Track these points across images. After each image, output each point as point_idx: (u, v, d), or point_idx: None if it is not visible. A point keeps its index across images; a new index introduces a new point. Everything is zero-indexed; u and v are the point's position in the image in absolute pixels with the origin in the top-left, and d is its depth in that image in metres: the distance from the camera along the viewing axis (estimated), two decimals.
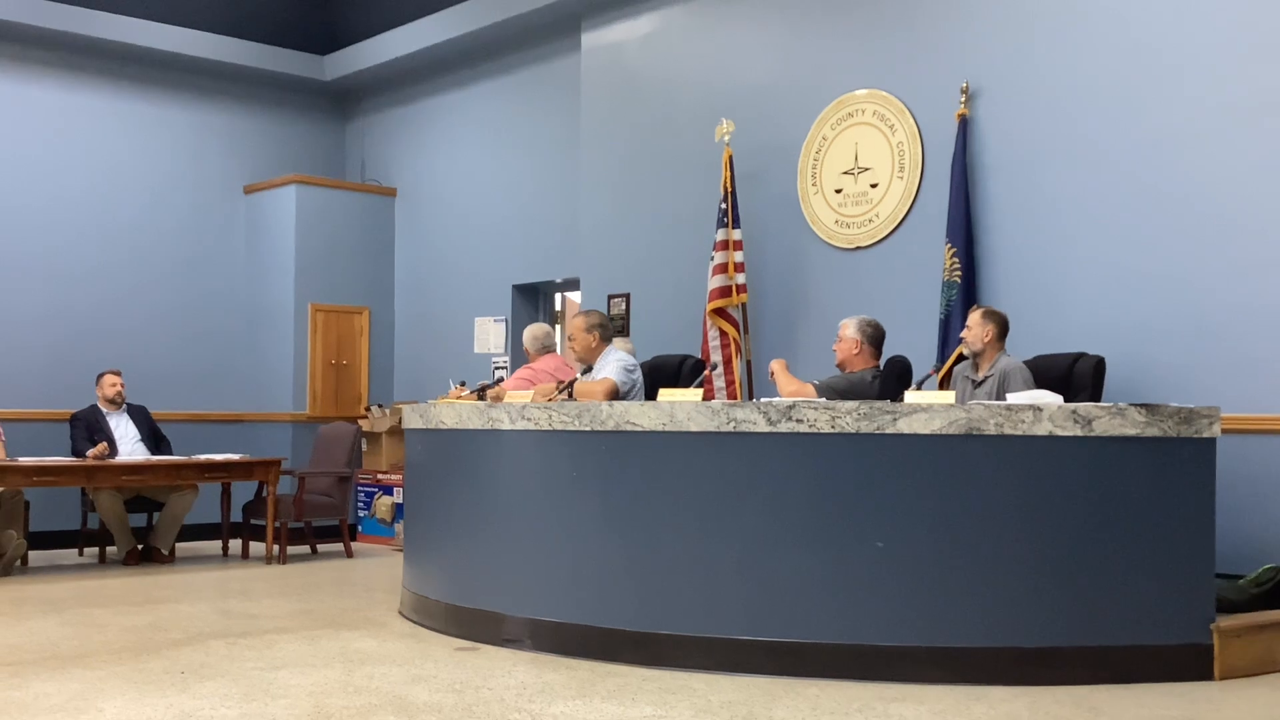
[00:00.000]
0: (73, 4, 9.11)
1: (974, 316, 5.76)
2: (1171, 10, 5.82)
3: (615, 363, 6.14)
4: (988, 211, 6.43)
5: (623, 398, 5.98)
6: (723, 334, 7.20)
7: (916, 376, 5.89)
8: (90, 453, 8.01)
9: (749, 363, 7.21)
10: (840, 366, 6.15)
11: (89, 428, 8.32)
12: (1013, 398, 4.89)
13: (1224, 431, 4.68)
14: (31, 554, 8.02)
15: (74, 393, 8.83)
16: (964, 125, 6.45)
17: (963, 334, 5.81)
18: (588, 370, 6.27)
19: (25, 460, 7.83)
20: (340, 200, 10.28)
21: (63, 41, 9.29)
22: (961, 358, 5.97)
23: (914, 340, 6.37)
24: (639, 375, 6.28)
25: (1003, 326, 5.72)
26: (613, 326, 6.51)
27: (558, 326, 9.56)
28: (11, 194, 9.20)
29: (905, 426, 4.56)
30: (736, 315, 7.22)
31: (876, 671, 4.49)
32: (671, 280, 7.90)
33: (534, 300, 9.55)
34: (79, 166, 9.51)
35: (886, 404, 4.66)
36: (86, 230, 9.51)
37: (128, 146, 9.76)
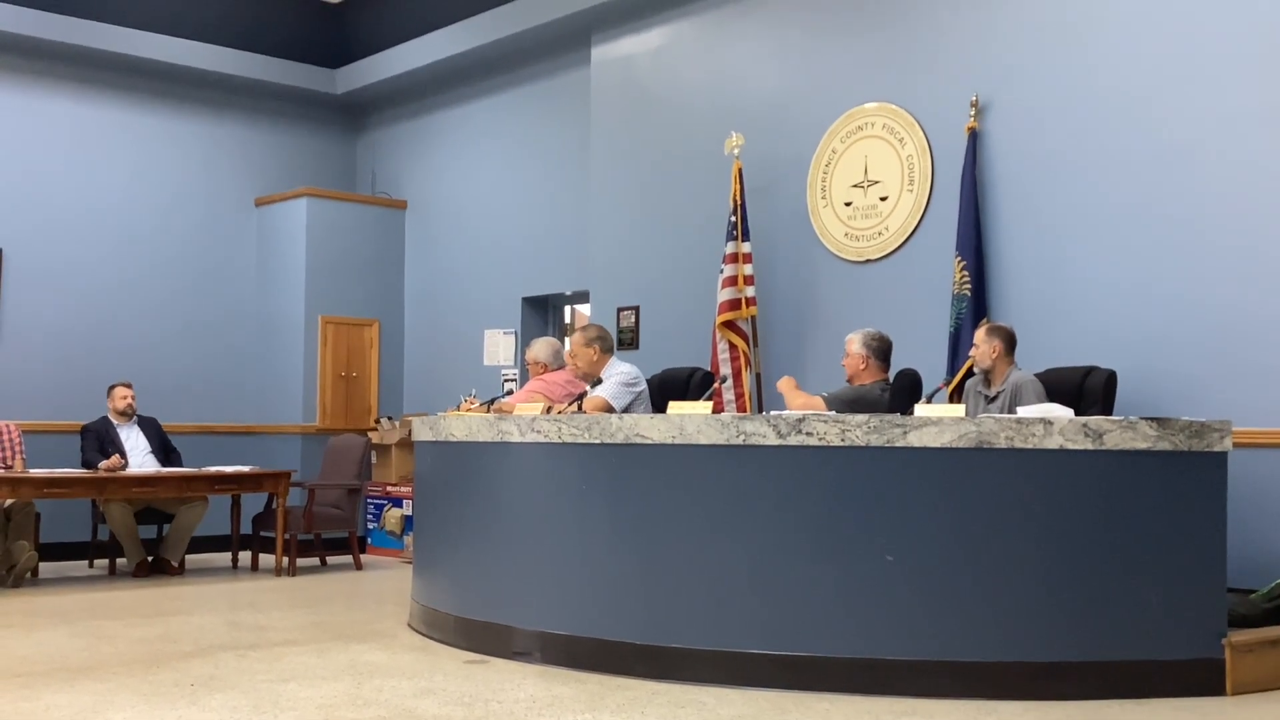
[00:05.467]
0: (85, 18, 9.15)
1: (979, 334, 5.75)
2: (1181, 23, 5.82)
3: (614, 378, 6.17)
4: (997, 224, 6.42)
5: (625, 411, 5.99)
6: (732, 347, 7.20)
7: (926, 389, 5.89)
8: (103, 465, 8.04)
9: (758, 375, 7.21)
10: (850, 381, 6.14)
11: (99, 439, 8.34)
12: (1023, 411, 4.88)
13: (1236, 445, 4.66)
14: (42, 565, 8.03)
15: (85, 404, 8.86)
16: (974, 138, 6.45)
17: (971, 353, 5.79)
18: (597, 383, 6.29)
19: (36, 472, 7.86)
20: (351, 213, 10.32)
21: (75, 55, 9.34)
22: (972, 371, 5.96)
23: (924, 353, 6.36)
24: (642, 387, 6.29)
25: (1009, 340, 5.71)
26: (611, 339, 6.51)
27: (566, 340, 9.57)
28: (24, 206, 9.24)
29: (915, 440, 4.55)
30: (746, 328, 7.22)
31: (886, 686, 4.47)
32: (681, 293, 7.91)
33: (543, 313, 9.57)
34: (91, 179, 9.56)
35: (897, 417, 4.65)
36: (98, 242, 9.55)
37: (139, 159, 9.80)
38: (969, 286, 6.31)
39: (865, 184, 7.00)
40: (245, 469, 8.56)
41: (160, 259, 9.85)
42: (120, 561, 8.43)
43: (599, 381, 6.28)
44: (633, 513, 4.95)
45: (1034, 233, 6.29)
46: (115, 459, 8.11)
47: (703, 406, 5.11)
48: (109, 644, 5.58)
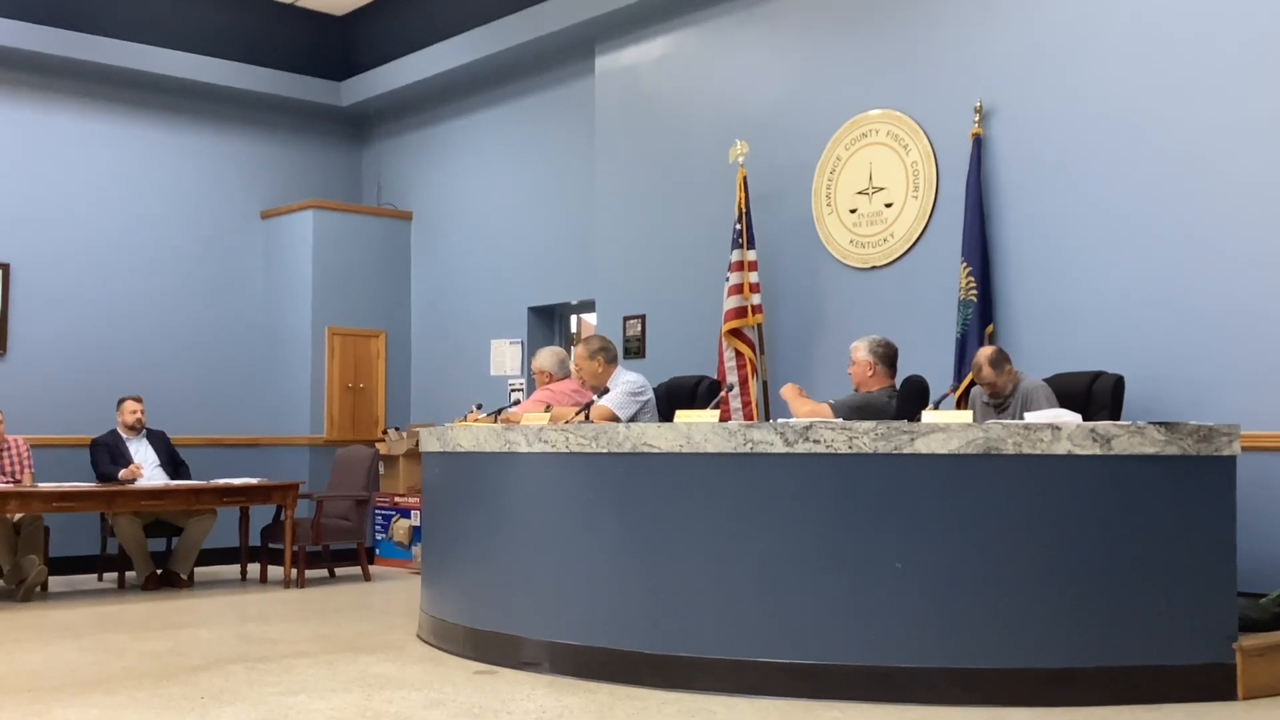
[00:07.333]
0: (90, 33, 9.19)
1: (987, 372, 5.64)
2: (1187, 28, 5.82)
3: (620, 388, 6.18)
4: (1003, 230, 6.42)
5: (632, 420, 6.00)
6: (739, 355, 7.20)
7: (933, 396, 5.88)
8: (122, 474, 8.12)
9: (765, 383, 7.21)
10: (856, 389, 6.14)
11: (110, 453, 8.37)
12: (1031, 417, 4.88)
13: (1244, 449, 4.65)
14: (51, 579, 8.05)
15: (93, 419, 8.88)
16: (978, 144, 6.45)
17: (988, 392, 5.72)
18: (604, 393, 6.29)
19: (45, 486, 7.87)
20: (357, 224, 10.33)
21: (80, 70, 9.37)
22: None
23: (930, 360, 6.36)
24: (648, 396, 6.29)
25: (1008, 357, 5.72)
26: (615, 349, 6.51)
27: (573, 349, 9.57)
28: (31, 222, 9.26)
29: (923, 446, 4.55)
30: (752, 336, 7.22)
31: (896, 693, 4.46)
32: (687, 301, 7.91)
33: (550, 322, 9.57)
34: (97, 194, 9.58)
35: (904, 424, 4.65)
36: (105, 257, 9.57)
37: (146, 173, 9.83)
38: (975, 292, 6.31)
39: (870, 191, 7.00)
40: (253, 481, 8.58)
41: (167, 272, 9.87)
42: (129, 575, 8.45)
43: (606, 391, 6.29)
44: (641, 521, 4.95)
45: (1040, 238, 6.29)
46: (135, 468, 8.18)
47: (710, 415, 5.11)
48: (118, 657, 5.59)
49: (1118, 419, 5.40)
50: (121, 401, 8.65)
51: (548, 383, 6.86)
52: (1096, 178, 6.09)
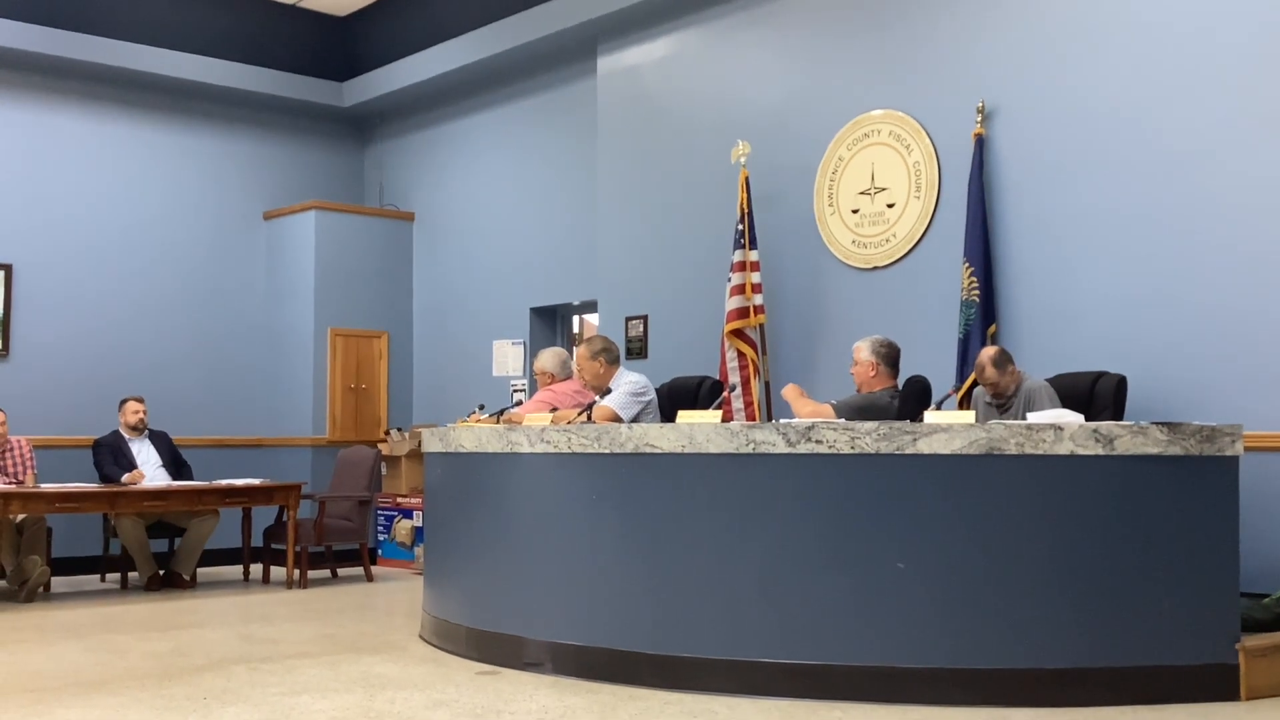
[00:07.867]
0: (92, 34, 9.20)
1: (990, 372, 5.64)
2: (1187, 27, 5.82)
3: (622, 388, 6.18)
4: (1005, 230, 6.42)
5: (634, 420, 6.00)
6: (741, 355, 7.20)
7: (936, 396, 5.88)
8: (126, 478, 8.12)
9: (767, 384, 7.21)
10: (859, 389, 6.13)
11: (113, 454, 8.37)
12: (1034, 417, 4.87)
13: (1247, 449, 4.65)
14: (54, 580, 8.04)
15: (95, 419, 8.88)
16: (980, 145, 6.45)
17: (990, 392, 5.72)
18: (606, 394, 6.29)
19: (48, 486, 7.88)
20: (359, 225, 10.34)
21: (82, 71, 9.38)
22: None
23: (933, 360, 6.35)
24: (650, 397, 6.30)
25: (1011, 357, 5.71)
26: (616, 349, 6.52)
27: (575, 349, 9.57)
28: (33, 223, 9.27)
29: (925, 447, 4.55)
30: (754, 336, 7.22)
31: (899, 693, 4.46)
32: (689, 302, 7.91)
33: (552, 323, 9.57)
34: (99, 195, 9.58)
35: (906, 424, 4.65)
36: (107, 258, 9.57)
37: (148, 175, 9.83)
38: (977, 293, 6.31)
39: (872, 191, 7.00)
40: (256, 482, 8.57)
41: (169, 273, 9.88)
42: (132, 575, 8.45)
43: (608, 392, 6.29)
44: (643, 522, 4.95)
45: (1042, 238, 6.29)
46: (138, 472, 8.19)
47: (712, 415, 5.12)
48: (121, 658, 5.60)
49: (1120, 419, 5.40)
50: (124, 402, 8.66)
51: (550, 383, 6.86)
52: (1098, 178, 6.09)
